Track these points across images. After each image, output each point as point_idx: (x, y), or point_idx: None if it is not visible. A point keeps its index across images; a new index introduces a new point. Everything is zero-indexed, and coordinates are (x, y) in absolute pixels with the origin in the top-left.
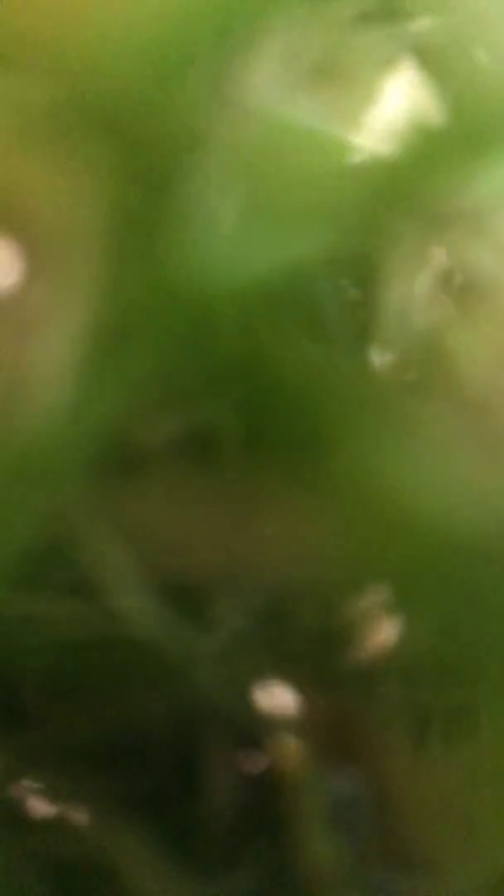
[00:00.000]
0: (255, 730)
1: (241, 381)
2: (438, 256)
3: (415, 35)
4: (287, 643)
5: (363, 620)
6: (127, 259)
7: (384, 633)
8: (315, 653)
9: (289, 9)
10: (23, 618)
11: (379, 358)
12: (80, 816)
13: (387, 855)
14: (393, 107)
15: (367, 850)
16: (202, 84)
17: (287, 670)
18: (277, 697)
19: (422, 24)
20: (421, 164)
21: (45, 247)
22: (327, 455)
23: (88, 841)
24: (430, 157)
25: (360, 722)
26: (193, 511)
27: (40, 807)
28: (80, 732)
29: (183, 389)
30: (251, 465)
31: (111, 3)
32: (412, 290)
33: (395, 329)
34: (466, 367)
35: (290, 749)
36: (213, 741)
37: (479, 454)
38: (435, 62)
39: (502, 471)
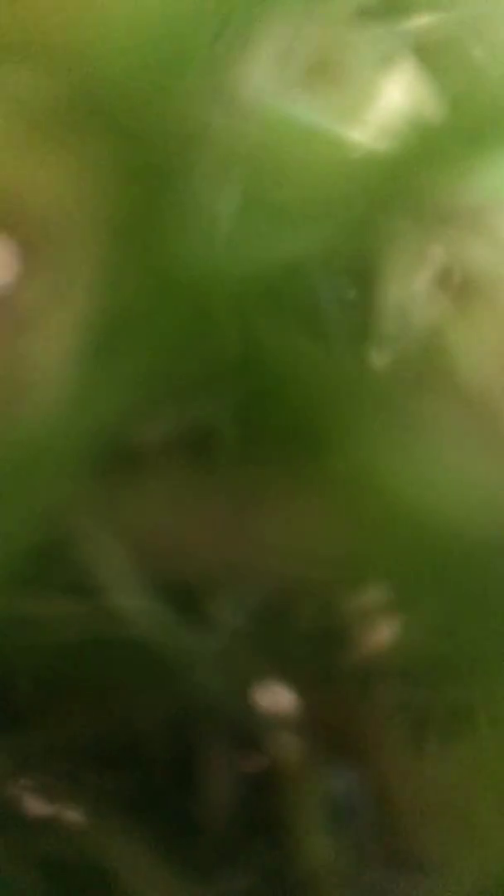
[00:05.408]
0: (253, 729)
1: (238, 379)
2: (437, 254)
3: (413, 32)
4: (286, 642)
5: (362, 619)
6: (125, 255)
7: (383, 632)
8: (314, 652)
9: (287, 5)
10: (21, 617)
11: (377, 355)
12: (77, 816)
13: (386, 855)
14: (391, 104)
15: (367, 850)
16: (201, 80)
17: (286, 670)
18: (276, 697)
19: (421, 21)
20: (419, 162)
21: (43, 243)
22: (326, 453)
23: (87, 841)
24: (429, 155)
25: (360, 721)
26: (192, 510)
27: (38, 806)
28: (78, 732)
29: (181, 386)
30: (249, 463)
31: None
32: (410, 288)
33: (394, 327)
34: (465, 364)
35: (289, 748)
36: (211, 741)
37: (478, 452)
38: (433, 59)
39: (502, 468)
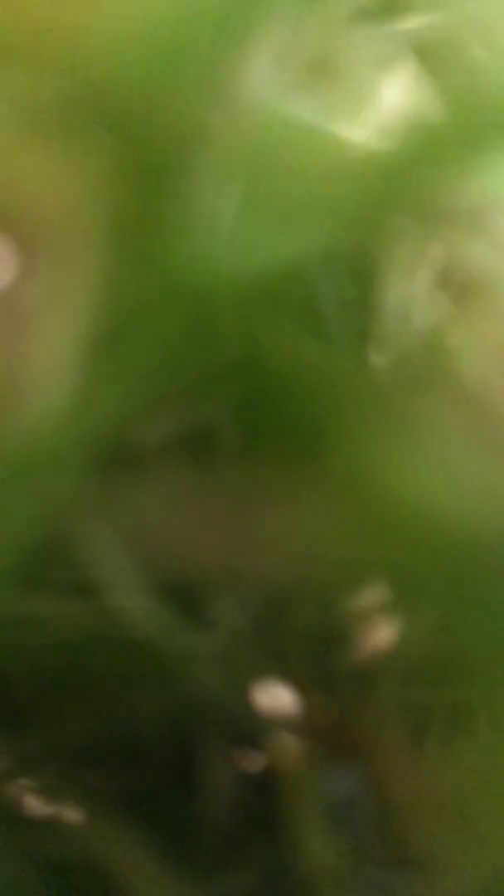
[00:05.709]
0: (253, 729)
1: (239, 379)
2: (437, 254)
3: (413, 32)
4: (286, 642)
5: (362, 619)
6: (125, 255)
7: (383, 633)
8: (314, 652)
9: (286, 5)
10: (21, 617)
11: (377, 355)
12: (77, 816)
13: (386, 855)
14: (391, 104)
15: (366, 850)
16: (201, 80)
17: (286, 670)
18: (276, 697)
19: (420, 21)
20: (419, 162)
21: (43, 243)
22: (326, 453)
23: (86, 841)
24: (429, 155)
25: (360, 721)
26: (192, 510)
27: (38, 806)
28: (78, 732)
29: (181, 386)
30: (249, 463)
31: (110, 0)
32: (410, 288)
33: (394, 327)
34: (465, 364)
35: (289, 749)
36: (211, 741)
37: (478, 452)
38: (433, 59)
39: (502, 468)
